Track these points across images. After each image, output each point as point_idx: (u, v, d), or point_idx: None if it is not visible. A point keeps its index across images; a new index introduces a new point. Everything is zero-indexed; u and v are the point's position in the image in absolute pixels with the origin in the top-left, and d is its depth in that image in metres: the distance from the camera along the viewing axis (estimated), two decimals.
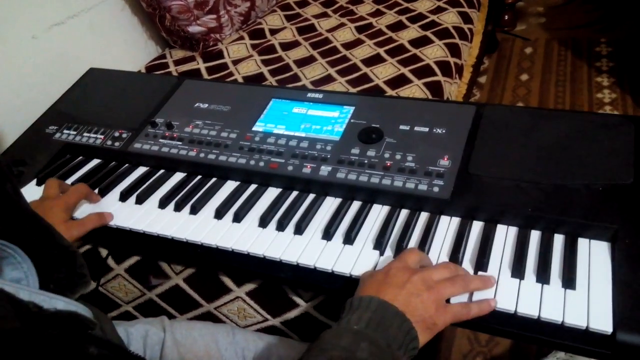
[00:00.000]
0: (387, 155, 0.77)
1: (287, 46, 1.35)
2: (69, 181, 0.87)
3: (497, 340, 1.21)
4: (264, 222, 0.73)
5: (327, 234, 0.70)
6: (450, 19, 1.37)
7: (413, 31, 1.32)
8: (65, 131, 0.96)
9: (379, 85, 1.13)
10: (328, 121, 0.85)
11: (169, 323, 0.74)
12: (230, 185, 0.82)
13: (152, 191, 0.83)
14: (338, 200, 0.76)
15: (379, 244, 0.68)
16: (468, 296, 0.60)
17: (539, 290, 0.59)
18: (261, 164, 0.80)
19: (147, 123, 0.92)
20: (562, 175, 0.69)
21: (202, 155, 0.84)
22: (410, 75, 1.15)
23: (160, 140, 0.89)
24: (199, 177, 0.84)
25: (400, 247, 0.67)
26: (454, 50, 1.26)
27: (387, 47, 1.27)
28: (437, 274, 0.58)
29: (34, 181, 0.87)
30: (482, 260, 0.63)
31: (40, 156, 0.92)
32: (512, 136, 0.76)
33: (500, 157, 0.74)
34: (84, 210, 0.80)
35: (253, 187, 0.81)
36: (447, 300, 0.58)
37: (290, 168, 0.79)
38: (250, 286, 0.78)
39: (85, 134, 0.94)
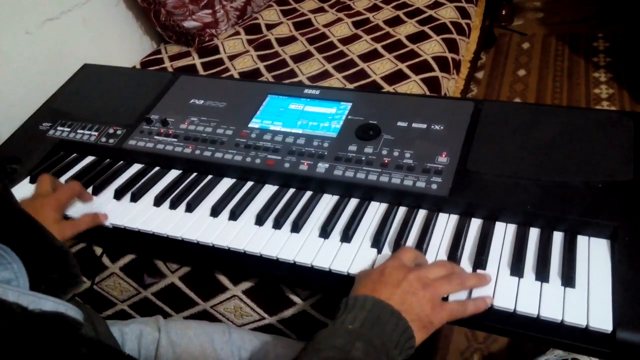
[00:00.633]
0: (384, 152, 0.76)
1: (284, 41, 1.34)
2: (63, 178, 0.86)
3: (495, 337, 1.21)
4: (260, 220, 0.73)
5: (325, 232, 0.69)
6: (447, 14, 1.37)
7: (410, 26, 1.32)
8: (59, 128, 0.94)
9: (376, 81, 1.12)
10: (325, 118, 0.84)
11: (164, 322, 0.74)
12: (226, 183, 0.81)
13: (147, 189, 0.82)
14: (335, 198, 0.75)
15: (377, 241, 0.67)
16: (466, 295, 0.59)
17: (538, 288, 0.59)
18: (257, 161, 0.80)
19: (142, 119, 0.91)
20: (562, 172, 0.68)
21: (197, 152, 0.83)
22: (407, 71, 1.14)
23: (155, 137, 0.87)
24: (195, 174, 0.83)
25: (398, 245, 0.66)
26: (452, 46, 1.25)
27: (384, 43, 1.26)
28: (432, 272, 0.58)
29: (28, 179, 0.86)
30: (480, 258, 0.63)
31: (34, 153, 0.91)
32: (511, 132, 0.76)
33: (499, 154, 0.73)
34: (77, 208, 0.79)
35: (249, 184, 0.80)
36: (444, 299, 0.58)
37: (287, 165, 0.78)
38: (246, 284, 0.78)
39: (79, 131, 0.93)
